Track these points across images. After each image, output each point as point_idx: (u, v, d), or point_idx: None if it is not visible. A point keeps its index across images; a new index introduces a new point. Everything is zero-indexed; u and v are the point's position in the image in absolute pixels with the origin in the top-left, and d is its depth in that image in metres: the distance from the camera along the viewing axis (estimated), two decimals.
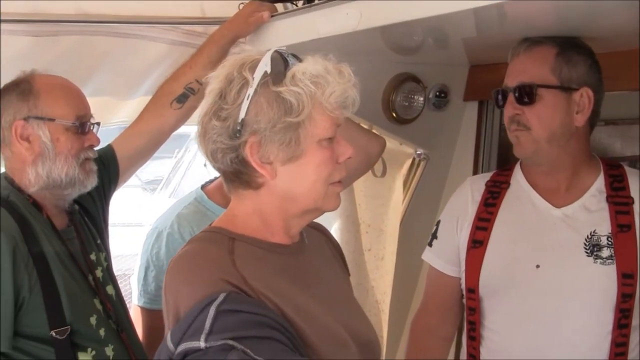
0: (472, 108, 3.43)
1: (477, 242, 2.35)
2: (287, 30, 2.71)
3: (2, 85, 2.37)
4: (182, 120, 2.82)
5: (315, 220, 1.93)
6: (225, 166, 1.75)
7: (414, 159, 3.55)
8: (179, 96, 2.75)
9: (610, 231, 2.22)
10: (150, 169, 11.08)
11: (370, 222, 3.45)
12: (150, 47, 3.06)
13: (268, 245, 1.78)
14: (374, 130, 3.17)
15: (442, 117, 3.42)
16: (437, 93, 3.34)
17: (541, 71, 2.22)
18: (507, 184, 2.41)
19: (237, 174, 1.76)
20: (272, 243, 1.79)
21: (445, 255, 2.47)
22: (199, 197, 2.85)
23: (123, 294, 2.58)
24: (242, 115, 1.67)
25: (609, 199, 2.27)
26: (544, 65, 2.22)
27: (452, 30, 2.48)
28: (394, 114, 3.21)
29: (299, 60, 1.72)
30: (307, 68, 1.68)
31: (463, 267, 2.40)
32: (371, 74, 3.12)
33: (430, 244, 2.52)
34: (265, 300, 1.65)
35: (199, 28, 3.10)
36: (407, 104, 3.23)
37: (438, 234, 2.51)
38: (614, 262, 2.18)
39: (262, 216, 1.78)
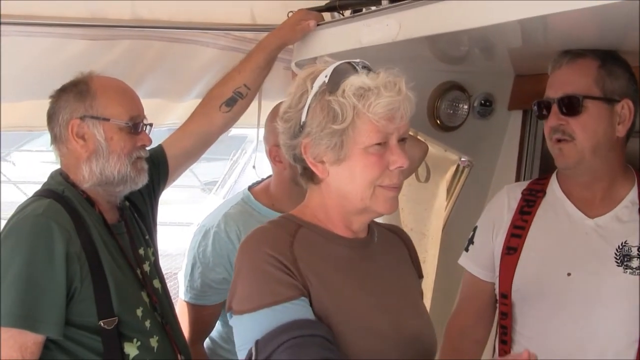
0: (517, 117, 3.44)
1: (511, 249, 2.41)
2: (332, 39, 2.78)
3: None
4: (230, 123, 2.93)
5: None
6: (292, 162, 2.00)
7: (458, 166, 3.60)
8: (227, 100, 2.86)
9: None
10: (209, 170, 11.28)
11: (413, 226, 3.51)
12: (202, 51, 3.16)
13: (329, 234, 1.95)
14: (418, 137, 3.22)
15: (487, 126, 3.46)
16: (482, 101, 3.38)
17: (585, 83, 2.26)
18: (543, 192, 2.46)
19: (302, 169, 1.98)
20: (333, 233, 1.96)
21: (480, 261, 2.52)
22: (246, 198, 2.93)
23: (175, 290, 2.68)
24: (302, 118, 1.89)
25: None
26: (588, 77, 2.27)
27: (498, 41, 2.52)
28: (439, 122, 3.27)
29: (370, 70, 1.87)
30: (355, 81, 1.83)
31: (497, 273, 2.46)
32: (417, 82, 3.09)
33: (466, 249, 2.58)
34: (307, 282, 1.83)
35: (249, 34, 3.19)
36: (451, 111, 3.28)
37: (474, 240, 2.58)
38: None
39: (325, 209, 1.97)
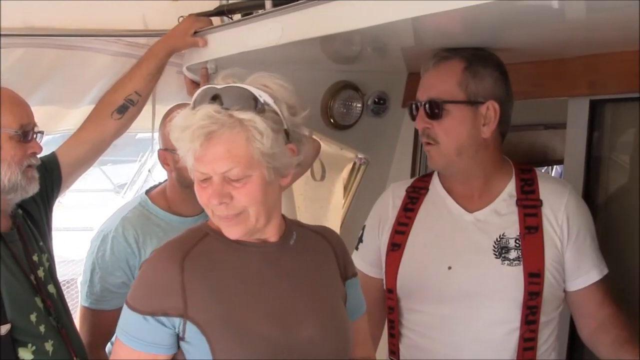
0: None
1: (396, 245, 2.48)
2: (221, 43, 2.83)
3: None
4: (122, 129, 2.96)
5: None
6: None
7: (354, 164, 3.68)
8: (119, 107, 2.89)
9: (518, 233, 2.35)
10: (124, 172, 11.19)
11: None
12: (95, 58, 3.15)
13: (233, 241, 1.94)
14: (313, 136, 3.27)
15: (382, 123, 3.54)
16: (376, 100, 3.47)
17: (448, 86, 2.32)
18: (426, 189, 2.54)
19: None
20: (238, 240, 1.94)
21: (369, 258, 2.59)
22: (143, 202, 2.94)
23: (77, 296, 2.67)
24: None
25: (519, 202, 2.39)
26: (451, 80, 2.33)
27: (390, 40, 2.58)
28: (333, 120, 3.34)
29: (215, 99, 1.85)
30: (176, 120, 1.88)
31: (384, 269, 2.52)
32: (310, 82, 3.24)
33: (357, 248, 2.64)
34: (191, 295, 1.86)
35: (141, 40, 3.19)
36: (345, 110, 3.36)
37: (363, 238, 2.64)
38: (521, 262, 2.31)
39: None
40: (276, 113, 1.85)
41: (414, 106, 2.42)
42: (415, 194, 2.54)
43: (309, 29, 2.29)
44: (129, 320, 1.89)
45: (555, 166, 4.49)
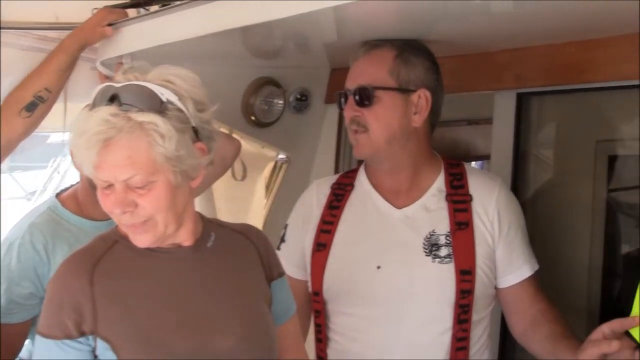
0: (333, 111, 3.45)
1: (321, 245, 2.38)
2: (138, 36, 2.70)
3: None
4: (31, 128, 2.80)
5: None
6: None
7: (276, 162, 3.59)
8: (28, 104, 2.73)
9: (448, 230, 2.29)
10: (36, 179, 10.90)
11: None
12: (2, 52, 2.96)
13: (143, 248, 1.81)
14: (233, 134, 3.18)
15: (304, 120, 3.46)
16: (298, 96, 3.39)
17: (379, 73, 2.27)
18: (352, 186, 2.45)
19: None
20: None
21: (292, 259, 2.47)
22: (53, 206, 2.77)
23: None
24: None
25: (448, 197, 2.33)
26: (382, 68, 2.27)
27: (313, 34, 2.52)
28: (254, 118, 3.24)
29: (112, 101, 1.71)
30: (76, 121, 1.74)
31: (309, 270, 2.42)
32: (231, 78, 3.14)
33: (279, 248, 2.51)
34: (101, 310, 1.73)
35: (52, 33, 3.03)
36: (266, 107, 3.27)
37: (286, 238, 2.53)
38: (452, 260, 2.25)
39: None
40: (181, 111, 1.72)
41: (342, 96, 2.34)
42: (341, 191, 2.45)
43: (230, 19, 2.19)
44: (44, 352, 1.74)
45: (478, 162, 4.48)
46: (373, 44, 2.31)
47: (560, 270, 2.64)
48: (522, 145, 2.81)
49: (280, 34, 2.52)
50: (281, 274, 2.07)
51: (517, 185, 2.78)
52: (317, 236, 2.40)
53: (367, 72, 2.29)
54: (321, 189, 2.50)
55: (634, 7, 1.88)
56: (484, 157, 4.19)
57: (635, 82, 2.36)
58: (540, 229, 2.64)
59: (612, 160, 2.60)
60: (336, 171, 3.48)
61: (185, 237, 1.86)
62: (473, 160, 4.28)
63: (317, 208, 2.45)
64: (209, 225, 1.95)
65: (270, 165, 3.60)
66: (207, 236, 1.92)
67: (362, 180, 2.44)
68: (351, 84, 2.31)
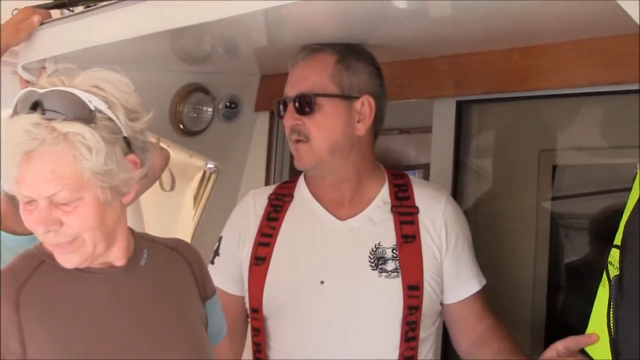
0: (264, 119, 3.37)
1: (260, 259, 2.25)
2: (62, 38, 2.56)
3: None
4: None
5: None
6: None
7: (204, 172, 3.45)
8: None
9: (395, 243, 2.19)
10: None
11: None
12: None
13: (71, 269, 1.65)
14: (161, 143, 3.04)
15: (233, 129, 3.35)
16: (227, 104, 3.26)
17: (320, 79, 2.17)
18: (291, 196, 2.33)
19: None
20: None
21: (228, 274, 2.33)
22: None
23: None
24: None
25: (394, 209, 2.24)
26: (324, 73, 2.17)
27: (242, 39, 2.43)
28: (182, 126, 3.11)
29: (35, 109, 1.56)
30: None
31: (246, 286, 2.29)
32: (158, 84, 3.00)
33: (212, 262, 2.38)
34: (28, 336, 1.57)
35: None
36: (195, 115, 3.14)
37: (220, 251, 2.39)
38: (399, 274, 2.16)
39: None
40: (111, 120, 1.57)
41: (281, 103, 2.22)
42: (279, 202, 2.33)
43: (157, 22, 2.09)
44: None
45: (411, 172, 4.44)
46: (313, 48, 2.21)
47: (504, 284, 2.57)
48: (463, 155, 2.76)
49: (209, 38, 2.42)
50: (214, 292, 1.94)
51: (457, 196, 2.71)
52: (255, 249, 2.27)
53: (307, 78, 2.18)
54: (258, 199, 2.37)
55: (578, 11, 1.85)
56: (418, 167, 4.14)
57: (581, 90, 2.33)
58: (482, 242, 2.57)
59: (556, 170, 2.55)
60: (267, 181, 3.39)
61: (117, 256, 1.70)
62: (405, 171, 4.24)
63: (255, 220, 2.32)
64: (140, 242, 1.80)
65: (199, 175, 3.46)
66: (139, 254, 1.77)
67: (302, 190, 2.33)
68: (290, 90, 2.20)
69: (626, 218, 1.66)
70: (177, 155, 3.25)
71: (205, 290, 1.89)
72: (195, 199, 3.45)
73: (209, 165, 3.41)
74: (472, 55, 2.52)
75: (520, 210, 2.64)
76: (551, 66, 2.34)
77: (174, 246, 1.89)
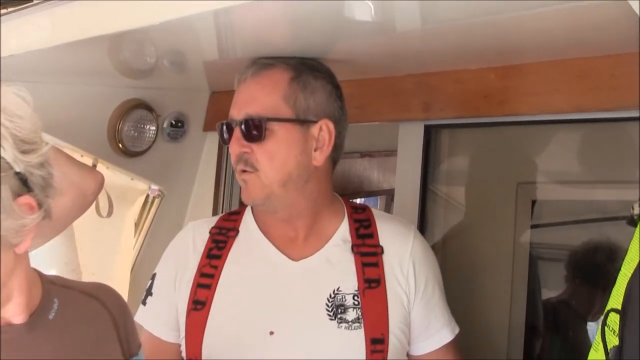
0: (213, 139, 3.15)
1: (199, 303, 1.96)
2: None
3: None
4: None
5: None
6: None
7: (147, 196, 3.21)
8: None
9: (357, 288, 1.92)
10: None
11: (95, 270, 3.02)
12: None
13: None
14: (98, 164, 2.78)
15: (179, 149, 3.13)
16: (173, 122, 3.04)
17: (272, 100, 1.88)
18: (236, 231, 2.04)
19: None
20: None
21: (161, 317, 2.04)
22: None
23: None
24: None
25: (355, 248, 1.97)
26: (276, 93, 1.89)
27: (190, 51, 2.23)
28: (121, 146, 2.85)
29: None
30: None
31: (183, 334, 2.00)
32: (95, 100, 2.78)
33: (144, 302, 2.08)
34: None
35: None
36: (136, 134, 2.89)
37: (153, 291, 2.08)
38: (362, 325, 1.88)
39: None
40: None
41: (224, 127, 1.94)
42: (222, 237, 2.04)
43: (88, 26, 1.85)
44: None
45: (370, 198, 4.26)
46: (263, 64, 1.93)
47: (477, 327, 2.37)
48: (430, 184, 2.55)
49: (153, 48, 2.20)
50: (139, 346, 1.67)
51: (425, 227, 2.53)
52: (194, 292, 1.97)
53: (256, 98, 1.90)
54: (198, 233, 2.07)
55: (564, 27, 1.69)
56: (380, 193, 3.95)
57: (565, 116, 2.15)
58: (451, 279, 2.33)
59: (535, 204, 2.35)
60: (215, 208, 3.19)
61: (15, 312, 1.41)
62: (365, 196, 4.05)
63: (194, 257, 2.02)
64: (50, 290, 1.50)
65: (141, 199, 3.21)
66: (48, 305, 1.48)
67: (248, 224, 2.04)
68: (237, 112, 1.91)
69: (626, 273, 1.40)
70: (117, 178, 2.99)
71: (130, 346, 1.62)
72: (136, 225, 3.19)
73: (153, 189, 3.16)
74: (442, 74, 2.33)
75: (496, 246, 2.45)
76: (532, 88, 2.15)
77: (93, 292, 1.60)
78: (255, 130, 1.85)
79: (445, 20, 1.70)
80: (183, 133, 3.06)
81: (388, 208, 3.80)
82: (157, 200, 3.18)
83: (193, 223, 2.12)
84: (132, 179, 3.07)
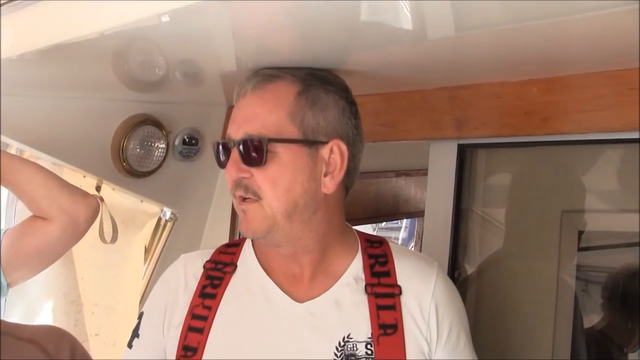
0: None
1: (190, 350, 1.73)
2: None
3: None
4: None
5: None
6: None
7: (159, 220, 3.03)
8: None
9: (370, 335, 1.68)
10: None
11: (98, 300, 2.83)
12: None
13: None
14: (104, 186, 2.59)
15: (194, 169, 2.93)
16: (186, 139, 2.83)
17: (275, 118, 1.65)
18: (233, 266, 1.82)
19: None
20: None
21: None
22: None
23: None
24: None
25: (369, 288, 1.72)
26: (280, 110, 1.65)
27: (205, 63, 2.04)
28: (126, 165, 2.65)
29: None
30: None
31: None
32: (96, 115, 2.59)
33: (130, 345, 1.86)
34: None
35: None
36: (143, 152, 2.69)
37: (140, 332, 1.86)
38: None
39: None
40: None
41: (220, 147, 1.72)
42: (218, 273, 1.81)
43: (55, 32, 1.64)
44: None
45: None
46: (266, 75, 1.71)
47: None
48: (464, 209, 2.34)
49: (162, 58, 2.00)
50: None
51: (455, 260, 2.31)
52: (184, 336, 1.75)
53: (257, 115, 1.66)
54: (191, 267, 1.85)
55: (616, 32, 1.49)
56: (416, 214, 3.76)
57: (616, 136, 1.92)
58: (485, 314, 2.11)
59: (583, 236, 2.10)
60: (233, 231, 2.97)
61: None
62: (401, 218, 3.87)
63: (185, 295, 1.80)
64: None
65: (152, 223, 3.02)
66: None
67: (248, 259, 1.82)
68: (235, 131, 1.68)
69: None
70: (126, 200, 2.81)
71: None
72: (147, 251, 3.00)
73: (164, 211, 2.95)
74: (478, 87, 2.14)
75: (537, 279, 2.22)
76: (578, 104, 1.95)
77: (34, 338, 1.45)
78: (255, 152, 1.62)
79: (482, 26, 1.53)
80: (197, 151, 2.86)
81: None
82: (169, 224, 3.00)
83: (185, 256, 1.89)
84: (141, 201, 2.88)
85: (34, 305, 2.64)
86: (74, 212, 2.17)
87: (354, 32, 1.60)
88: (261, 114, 1.65)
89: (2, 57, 1.78)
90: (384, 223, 7.52)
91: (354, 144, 1.71)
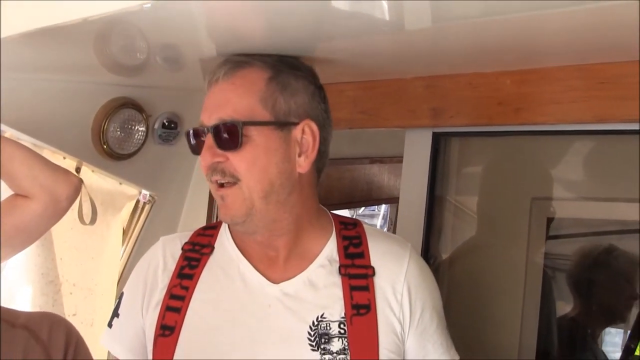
0: None
1: (167, 329, 1.76)
2: None
3: None
4: None
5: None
6: None
7: (137, 202, 3.00)
8: None
9: (343, 315, 1.71)
10: None
11: (76, 281, 2.81)
12: None
13: None
14: (83, 168, 2.59)
15: (173, 152, 2.92)
16: (165, 123, 2.82)
17: (248, 103, 1.68)
18: (210, 247, 1.84)
19: None
20: None
21: (127, 341, 1.85)
22: None
23: None
24: None
25: (343, 269, 1.75)
26: (251, 95, 1.68)
27: (186, 48, 2.04)
28: (107, 147, 2.64)
29: None
30: None
31: None
32: (77, 98, 2.55)
33: (110, 324, 1.89)
34: None
35: None
36: (123, 135, 2.67)
37: (120, 312, 1.89)
38: (348, 357, 1.68)
39: None
40: None
41: (192, 133, 1.74)
42: (195, 254, 1.84)
43: (37, 16, 1.64)
44: None
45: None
46: (237, 62, 1.73)
47: (483, 349, 2.21)
48: (438, 196, 2.38)
49: (143, 43, 1.99)
50: None
51: (428, 244, 2.36)
52: (162, 315, 1.78)
53: (230, 101, 1.69)
54: (169, 249, 1.87)
55: (589, 27, 1.55)
56: (389, 201, 3.78)
57: (586, 127, 1.99)
58: (458, 299, 2.14)
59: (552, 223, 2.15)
60: (210, 214, 2.98)
61: None
62: (375, 204, 3.91)
63: (164, 276, 1.82)
64: None
65: (130, 205, 3.00)
66: None
67: (224, 241, 1.85)
68: (208, 118, 1.70)
69: None
70: (104, 182, 2.79)
71: None
72: (124, 233, 2.98)
73: (143, 194, 2.96)
74: (453, 77, 2.18)
75: (507, 264, 2.27)
76: (551, 96, 2.01)
77: (29, 324, 1.50)
78: (229, 136, 1.64)
79: (458, 18, 1.56)
80: (177, 135, 2.85)
81: None
82: (147, 206, 2.99)
83: (164, 238, 1.91)
84: (120, 184, 2.87)
85: (12, 285, 2.63)
86: (55, 189, 2.16)
87: (329, 21, 1.62)
88: (233, 100, 1.67)
89: None
90: (362, 209, 7.56)
91: (324, 127, 1.74)
